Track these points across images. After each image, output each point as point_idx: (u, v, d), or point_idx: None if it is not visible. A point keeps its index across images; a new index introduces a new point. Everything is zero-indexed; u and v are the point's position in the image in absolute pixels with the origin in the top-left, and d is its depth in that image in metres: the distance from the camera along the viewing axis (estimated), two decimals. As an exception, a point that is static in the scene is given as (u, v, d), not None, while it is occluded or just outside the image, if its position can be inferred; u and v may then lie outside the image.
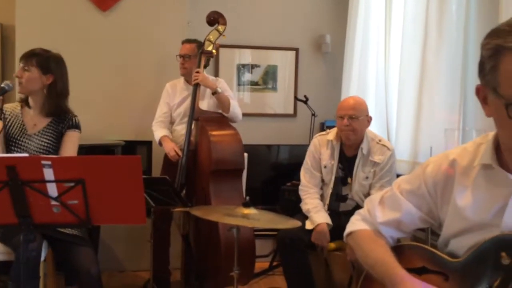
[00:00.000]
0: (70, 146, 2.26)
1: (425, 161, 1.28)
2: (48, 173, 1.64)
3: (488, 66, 0.97)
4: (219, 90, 3.02)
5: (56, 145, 2.26)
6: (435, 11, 2.78)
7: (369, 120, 2.64)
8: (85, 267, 1.96)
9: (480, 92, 1.03)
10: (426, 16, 2.82)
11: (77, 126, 2.31)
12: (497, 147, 1.08)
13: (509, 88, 0.93)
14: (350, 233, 1.36)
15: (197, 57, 3.16)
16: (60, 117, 2.29)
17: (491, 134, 1.11)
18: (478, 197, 1.11)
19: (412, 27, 3.04)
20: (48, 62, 2.23)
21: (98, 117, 3.53)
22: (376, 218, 1.30)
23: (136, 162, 1.65)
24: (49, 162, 1.62)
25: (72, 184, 1.65)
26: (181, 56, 3.26)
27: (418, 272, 1.16)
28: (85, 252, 2.03)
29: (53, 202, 1.68)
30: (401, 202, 1.26)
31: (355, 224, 1.36)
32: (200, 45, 3.22)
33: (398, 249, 1.26)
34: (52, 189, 1.67)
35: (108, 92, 3.61)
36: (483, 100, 1.03)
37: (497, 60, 0.94)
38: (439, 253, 1.19)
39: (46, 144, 2.23)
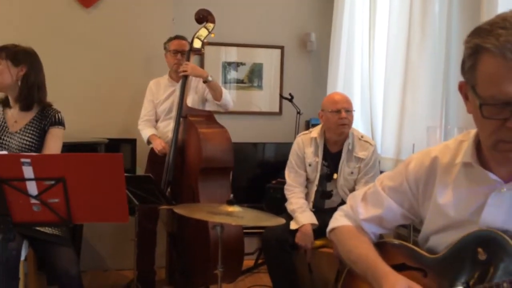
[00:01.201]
0: (53, 143, 2.22)
1: (407, 158, 1.28)
2: (28, 171, 1.61)
3: (468, 64, 0.97)
4: (210, 78, 3.00)
5: (39, 143, 2.21)
6: (418, 10, 2.80)
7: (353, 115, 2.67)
8: (64, 268, 1.93)
9: (462, 89, 1.04)
10: (410, 15, 2.84)
11: (60, 123, 2.26)
12: (478, 145, 1.09)
13: (484, 88, 0.94)
14: (333, 229, 1.37)
15: (186, 54, 3.14)
16: (43, 114, 2.23)
17: (473, 131, 1.12)
18: (458, 194, 1.12)
19: (396, 26, 3.07)
20: (18, 54, 2.19)
21: (81, 114, 3.49)
22: (359, 214, 1.30)
23: (117, 160, 1.64)
24: (29, 160, 1.59)
25: (52, 182, 1.63)
26: (178, 51, 3.20)
27: (398, 268, 1.17)
28: (65, 252, 1.99)
29: (33, 201, 1.65)
30: (383, 199, 1.26)
31: (338, 220, 1.36)
32: (187, 42, 3.20)
33: (379, 246, 1.26)
34: (32, 188, 1.65)
35: (92, 89, 3.57)
36: (465, 97, 1.04)
37: (476, 59, 0.95)
38: (418, 249, 1.20)
39: (28, 142, 2.19)
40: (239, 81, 4.30)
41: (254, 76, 4.32)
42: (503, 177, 1.04)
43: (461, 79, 1.03)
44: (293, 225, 2.54)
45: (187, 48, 3.17)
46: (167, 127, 3.15)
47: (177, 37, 3.27)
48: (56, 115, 2.25)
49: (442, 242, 1.13)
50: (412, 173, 1.22)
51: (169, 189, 3.00)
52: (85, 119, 3.50)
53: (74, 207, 1.67)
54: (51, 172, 1.63)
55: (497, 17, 0.94)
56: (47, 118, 2.23)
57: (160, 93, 3.29)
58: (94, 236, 3.46)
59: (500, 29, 0.90)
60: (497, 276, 0.98)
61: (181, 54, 3.20)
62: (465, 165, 1.12)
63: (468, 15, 2.46)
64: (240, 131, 4.11)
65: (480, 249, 1.02)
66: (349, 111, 2.58)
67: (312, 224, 2.51)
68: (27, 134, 2.19)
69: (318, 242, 2.53)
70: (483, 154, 1.08)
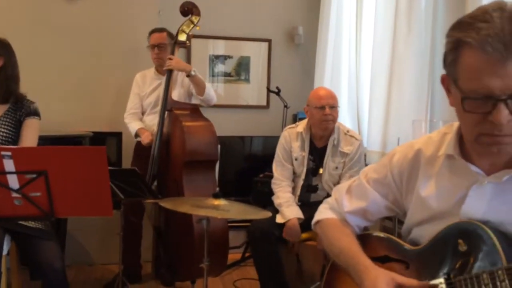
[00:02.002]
0: (30, 134, 2.19)
1: (392, 150, 1.29)
2: (8, 164, 1.59)
3: (450, 58, 0.97)
4: (193, 73, 2.98)
5: (15, 135, 2.18)
6: (404, 5, 2.81)
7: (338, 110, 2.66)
8: (48, 262, 1.90)
9: (445, 82, 1.04)
10: (396, 10, 2.85)
11: (36, 113, 2.23)
12: (461, 137, 1.09)
13: (466, 82, 0.94)
14: (317, 222, 1.37)
15: (170, 47, 3.11)
16: (17, 105, 2.21)
17: (456, 124, 1.12)
18: (441, 186, 1.13)
19: (382, 21, 3.08)
20: None
21: (65, 107, 3.45)
22: (343, 207, 1.31)
23: (100, 153, 1.62)
24: (9, 153, 1.57)
25: (34, 175, 1.61)
26: (155, 46, 3.17)
27: (381, 260, 1.17)
28: (48, 246, 1.97)
29: (14, 195, 1.63)
30: (368, 191, 1.27)
31: (323, 212, 1.36)
32: (170, 34, 3.17)
33: (363, 238, 1.27)
34: (13, 181, 1.63)
35: (77, 82, 3.52)
36: (447, 90, 1.04)
37: (457, 53, 0.95)
38: (400, 241, 1.20)
39: (4, 134, 2.15)
40: (226, 74, 4.28)
41: (241, 69, 4.30)
42: (484, 170, 1.05)
43: None
44: (279, 219, 2.55)
45: (165, 41, 3.14)
46: (153, 120, 3.12)
47: (154, 31, 3.23)
48: (31, 105, 2.22)
49: (425, 234, 1.14)
50: (396, 166, 1.22)
51: (155, 183, 2.98)
52: (70, 112, 3.46)
53: (56, 200, 1.66)
54: (32, 165, 1.61)
55: (478, 9, 0.94)
56: (22, 109, 2.20)
57: (146, 86, 3.26)
58: (79, 230, 3.43)
59: (481, 22, 0.90)
60: (476, 267, 0.99)
61: (159, 48, 3.16)
62: (448, 157, 1.12)
63: (453, 10, 2.48)
64: (227, 125, 4.10)
65: (460, 241, 1.03)
66: (333, 107, 2.57)
67: (298, 218, 2.52)
68: (3, 127, 2.16)
69: (304, 235, 2.54)
70: (465, 147, 1.08)
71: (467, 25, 0.92)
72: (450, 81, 1.00)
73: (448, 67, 0.99)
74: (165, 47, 3.16)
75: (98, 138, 3.28)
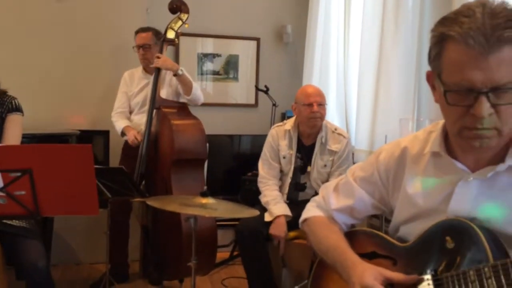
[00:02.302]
0: (13, 130, 2.14)
1: (378, 148, 1.30)
2: (-8, 163, 1.56)
3: (434, 53, 0.99)
4: (180, 72, 2.96)
5: None
6: (392, 4, 2.82)
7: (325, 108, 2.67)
8: (32, 261, 1.87)
9: (430, 78, 1.05)
10: (383, 8, 2.86)
11: (18, 109, 2.18)
12: (446, 135, 1.11)
13: (448, 75, 0.96)
14: (305, 220, 1.38)
15: (158, 45, 3.08)
16: None
17: (441, 122, 1.13)
18: (427, 184, 1.13)
19: (370, 19, 3.09)
20: None
21: (52, 106, 3.42)
22: (330, 205, 1.31)
23: (86, 151, 1.60)
24: (-7, 151, 1.54)
25: (18, 174, 1.59)
26: (140, 46, 3.14)
27: (368, 257, 1.18)
28: (33, 245, 1.94)
29: (-2, 193, 1.60)
30: (355, 189, 1.27)
31: (310, 210, 1.37)
32: (156, 32, 3.14)
33: (350, 235, 1.28)
34: (-3, 179, 1.60)
35: (63, 80, 3.49)
36: (432, 86, 1.05)
37: (441, 47, 0.96)
38: (388, 238, 1.21)
39: None
40: (215, 73, 4.26)
41: (230, 67, 4.29)
42: (469, 166, 1.06)
43: None
44: (267, 217, 2.54)
45: (149, 41, 3.11)
46: (141, 120, 3.10)
47: (139, 31, 3.18)
48: (13, 101, 2.18)
49: (412, 231, 1.14)
50: (382, 164, 1.23)
51: (143, 182, 2.96)
52: (57, 110, 3.43)
53: (41, 199, 1.63)
54: (17, 163, 1.59)
55: (462, 6, 0.96)
56: (4, 106, 2.16)
57: (134, 85, 3.24)
58: (66, 229, 3.40)
59: (464, 17, 0.92)
60: (463, 264, 0.99)
61: (143, 49, 3.13)
62: (434, 155, 1.13)
63: (440, 10, 2.50)
64: (216, 123, 4.09)
65: (448, 238, 1.03)
66: (321, 104, 2.58)
67: (286, 216, 2.52)
68: None
69: (292, 234, 2.54)
70: (451, 144, 1.09)
71: (451, 20, 0.94)
72: (434, 76, 1.02)
73: (432, 62, 1.01)
74: (150, 47, 3.12)
75: (85, 137, 3.25)
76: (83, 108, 3.51)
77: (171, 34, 3.02)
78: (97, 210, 1.69)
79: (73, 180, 1.65)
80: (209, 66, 4.24)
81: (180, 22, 3.02)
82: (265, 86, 3.94)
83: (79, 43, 3.49)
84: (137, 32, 3.18)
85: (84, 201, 1.68)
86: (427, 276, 1.04)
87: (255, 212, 2.07)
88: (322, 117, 2.59)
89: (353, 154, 2.83)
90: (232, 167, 4.19)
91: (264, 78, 4.25)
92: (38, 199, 1.62)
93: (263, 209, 2.60)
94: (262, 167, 2.73)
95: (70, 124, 3.37)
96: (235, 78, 4.32)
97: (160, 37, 3.11)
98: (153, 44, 3.13)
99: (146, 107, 3.04)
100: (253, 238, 2.49)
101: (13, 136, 2.13)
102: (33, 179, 1.59)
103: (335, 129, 2.68)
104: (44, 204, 1.65)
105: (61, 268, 3.35)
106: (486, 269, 0.94)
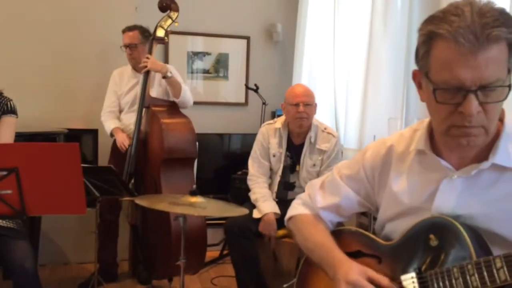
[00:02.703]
0: (6, 132, 2.12)
1: (365, 147, 1.30)
2: (-22, 162, 1.55)
3: (422, 51, 0.99)
4: (169, 74, 2.95)
5: None
6: (381, 4, 2.84)
7: (315, 107, 2.66)
8: (19, 261, 1.86)
9: (416, 77, 1.06)
10: (372, 9, 2.88)
11: (12, 111, 2.16)
12: (431, 133, 1.11)
13: (437, 73, 0.96)
14: (290, 218, 1.38)
15: (145, 44, 3.07)
16: None
17: (426, 120, 1.14)
18: (412, 182, 1.14)
19: (359, 19, 3.11)
20: None
21: (40, 104, 3.38)
22: (317, 202, 1.31)
23: (73, 150, 1.59)
24: (-22, 150, 1.53)
25: (4, 173, 1.57)
26: (127, 46, 3.11)
27: (354, 255, 1.19)
28: (20, 245, 1.92)
29: (-16, 192, 1.59)
30: (341, 187, 1.28)
31: (296, 208, 1.37)
32: (143, 31, 3.11)
33: (336, 234, 1.28)
34: (-18, 179, 1.58)
35: (51, 78, 3.45)
36: (419, 85, 1.06)
37: (430, 45, 0.97)
38: (373, 237, 1.22)
39: None
40: (205, 71, 4.26)
41: (220, 66, 4.29)
42: (454, 164, 1.07)
43: None
44: (255, 214, 2.55)
45: (136, 41, 3.07)
46: (131, 119, 3.08)
47: (125, 30, 3.13)
48: (8, 103, 2.16)
49: (397, 229, 1.15)
50: (368, 162, 1.24)
51: (132, 181, 2.95)
52: (45, 109, 3.39)
53: (28, 198, 1.62)
54: (3, 162, 1.57)
55: (449, 5, 0.96)
56: None
57: (123, 84, 3.21)
58: (54, 229, 3.37)
59: (453, 16, 0.92)
60: (447, 261, 1.00)
61: (130, 48, 3.09)
62: (419, 153, 1.14)
63: (428, 10, 2.52)
64: (206, 122, 4.08)
65: (432, 235, 1.04)
66: (308, 104, 2.57)
67: (275, 213, 2.52)
68: None
69: (281, 232, 2.55)
70: (435, 142, 1.10)
71: (440, 19, 0.95)
72: (421, 75, 1.02)
73: (420, 61, 1.01)
74: (137, 46, 3.08)
75: (73, 135, 3.22)
76: (72, 107, 3.48)
77: (160, 33, 3.00)
78: (84, 210, 1.68)
79: (60, 179, 1.64)
80: (199, 64, 4.24)
81: (169, 21, 3.01)
82: (255, 85, 3.95)
83: (67, 41, 3.46)
84: (123, 31, 3.14)
85: (72, 200, 1.67)
86: (412, 274, 1.05)
87: (245, 211, 2.08)
88: (308, 117, 2.59)
89: (342, 153, 2.85)
90: (222, 166, 4.20)
91: (254, 77, 4.25)
92: (24, 198, 1.61)
93: (253, 206, 2.60)
94: (252, 165, 2.73)
95: (59, 123, 3.33)
96: (225, 77, 4.31)
97: (147, 36, 3.09)
98: (139, 43, 3.09)
99: (136, 106, 3.02)
100: (242, 235, 2.49)
101: (5, 138, 2.11)
102: (20, 178, 1.58)
103: (325, 128, 2.68)
104: (31, 204, 1.63)
105: (49, 268, 3.32)
106: (469, 266, 0.95)
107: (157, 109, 2.87)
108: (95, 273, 2.63)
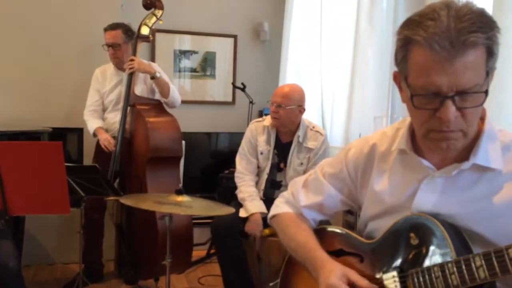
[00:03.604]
0: None
1: (348, 145, 1.31)
2: (-42, 161, 1.52)
3: (400, 56, 0.99)
4: (158, 75, 2.93)
5: None
6: (366, 4, 2.85)
7: (301, 110, 2.63)
8: (2, 261, 1.83)
9: (397, 79, 1.06)
10: (358, 8, 2.90)
11: None
12: (413, 132, 1.12)
13: (415, 79, 0.96)
14: (274, 216, 1.37)
15: (129, 43, 3.04)
16: None
17: (408, 119, 1.14)
18: (394, 181, 1.15)
19: (345, 18, 3.12)
20: None
21: (24, 102, 3.34)
22: (299, 201, 1.31)
23: (57, 148, 1.58)
24: (-42, 149, 1.51)
25: (-15, 172, 1.55)
26: (109, 45, 3.06)
27: (336, 254, 1.19)
28: (3, 245, 1.90)
29: (-36, 192, 1.56)
30: (324, 186, 1.28)
31: (279, 206, 1.36)
32: (126, 29, 3.07)
33: (319, 232, 1.28)
34: (-37, 178, 1.56)
35: (35, 76, 3.41)
36: (399, 87, 1.06)
37: (407, 51, 0.96)
38: (355, 235, 1.22)
39: None
40: (192, 70, 4.24)
41: (207, 65, 4.28)
42: (435, 164, 1.07)
43: None
44: (242, 213, 2.54)
45: (118, 40, 3.03)
46: (115, 118, 3.06)
47: (107, 28, 3.08)
48: None
49: (379, 227, 1.16)
50: (351, 160, 1.24)
51: (118, 180, 2.93)
52: (28, 107, 3.35)
53: (10, 198, 1.60)
54: (-17, 161, 1.55)
55: (427, 7, 0.95)
56: None
57: (106, 83, 3.18)
58: (38, 229, 3.33)
59: (429, 20, 0.91)
60: (428, 260, 1.01)
61: (113, 48, 3.05)
62: (400, 152, 1.14)
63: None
64: (193, 121, 4.08)
65: (412, 234, 1.05)
66: (280, 106, 2.56)
67: (262, 213, 2.52)
68: None
69: (267, 231, 2.55)
70: (417, 142, 1.11)
71: (416, 23, 0.94)
72: (401, 78, 1.02)
73: (399, 64, 1.01)
74: (120, 46, 3.05)
75: (57, 134, 3.18)
76: (56, 105, 3.44)
77: (145, 31, 2.98)
78: (68, 210, 1.67)
79: (44, 178, 1.63)
80: (186, 63, 4.22)
81: (154, 19, 2.99)
82: (242, 84, 3.94)
83: (52, 39, 3.42)
84: (105, 30, 3.08)
85: (55, 200, 1.66)
86: (393, 273, 1.06)
87: (231, 210, 2.08)
88: (280, 118, 2.57)
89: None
90: (209, 164, 4.19)
91: (241, 76, 4.24)
92: (6, 198, 1.59)
93: (239, 205, 2.60)
94: (240, 162, 2.73)
95: (43, 121, 3.29)
96: (212, 76, 4.30)
97: (130, 35, 3.06)
98: (123, 43, 3.05)
99: (121, 105, 3.00)
100: (228, 234, 2.48)
101: None
102: (1, 177, 1.56)
103: (313, 127, 2.68)
104: (13, 203, 1.62)
105: (33, 268, 3.29)
106: (449, 264, 0.96)
107: (142, 108, 2.86)
108: (80, 274, 2.60)
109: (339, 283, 1.05)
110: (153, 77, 2.92)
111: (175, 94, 3.02)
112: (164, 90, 2.95)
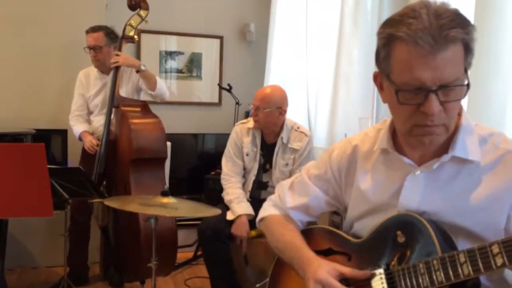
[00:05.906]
0: None
1: (331, 146, 1.32)
2: None
3: (382, 54, 1.01)
4: (143, 67, 2.90)
5: None
6: (351, 4, 2.87)
7: (281, 112, 2.61)
8: None
9: (377, 79, 1.08)
10: (342, 9, 2.91)
11: None
12: (394, 132, 1.14)
13: (399, 75, 0.98)
14: (262, 219, 1.39)
15: (111, 46, 3.02)
16: None
17: (389, 120, 1.17)
18: (377, 180, 1.16)
19: (329, 18, 3.13)
20: None
21: (6, 103, 3.30)
22: (286, 203, 1.32)
23: (39, 150, 1.55)
24: None
25: (-34, 175, 1.52)
26: (91, 48, 3.02)
27: (325, 253, 1.20)
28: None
29: None
30: (309, 187, 1.29)
31: (267, 209, 1.38)
32: (108, 32, 3.04)
33: (307, 233, 1.29)
34: None
35: (18, 77, 3.36)
36: (380, 87, 1.08)
37: (390, 48, 0.98)
38: (343, 234, 1.23)
39: None
40: (178, 71, 4.22)
41: (193, 66, 4.26)
42: (416, 161, 1.10)
43: None
44: (229, 216, 2.54)
45: (100, 43, 3.00)
46: (101, 121, 3.02)
47: (89, 31, 3.04)
48: None
49: (365, 227, 1.17)
50: (335, 161, 1.25)
51: (104, 182, 2.90)
52: (10, 108, 3.30)
53: (-9, 201, 1.57)
54: (-36, 164, 1.52)
55: (405, 8, 0.98)
56: None
57: (90, 87, 3.14)
58: (22, 231, 3.28)
59: (411, 18, 0.94)
60: (414, 257, 1.02)
61: (94, 50, 3.01)
62: (382, 152, 1.17)
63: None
64: (180, 122, 4.06)
65: (399, 232, 1.06)
66: (259, 109, 2.56)
67: (248, 215, 2.52)
68: None
69: (254, 232, 2.54)
70: (398, 140, 1.13)
71: (398, 22, 0.96)
72: (383, 76, 1.04)
73: (381, 63, 1.03)
74: (102, 49, 3.01)
75: (41, 136, 3.12)
76: (40, 106, 3.39)
77: (130, 31, 2.96)
78: (51, 212, 1.64)
79: (26, 181, 1.60)
80: (172, 64, 4.20)
81: (139, 19, 2.97)
82: (228, 85, 3.94)
83: (35, 39, 3.37)
84: (87, 32, 3.04)
85: (38, 203, 1.63)
86: (380, 270, 1.07)
87: (217, 211, 2.07)
88: (259, 120, 2.59)
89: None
90: (196, 166, 4.17)
91: (228, 77, 4.24)
92: (-13, 201, 1.56)
93: (226, 207, 2.59)
94: (226, 164, 2.72)
95: (26, 123, 3.24)
96: (199, 77, 4.29)
97: (113, 37, 3.04)
98: (104, 45, 3.01)
99: (106, 110, 2.96)
100: (215, 237, 2.47)
101: None
102: (-18, 180, 1.53)
103: (298, 128, 2.68)
104: (-5, 206, 1.58)
105: (17, 272, 3.24)
106: (434, 262, 0.97)
107: (126, 109, 2.83)
108: (64, 277, 2.57)
109: (327, 276, 1.06)
110: (138, 71, 2.90)
111: (163, 87, 3.01)
112: (151, 82, 2.94)
